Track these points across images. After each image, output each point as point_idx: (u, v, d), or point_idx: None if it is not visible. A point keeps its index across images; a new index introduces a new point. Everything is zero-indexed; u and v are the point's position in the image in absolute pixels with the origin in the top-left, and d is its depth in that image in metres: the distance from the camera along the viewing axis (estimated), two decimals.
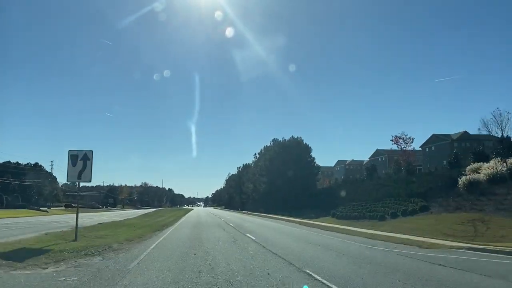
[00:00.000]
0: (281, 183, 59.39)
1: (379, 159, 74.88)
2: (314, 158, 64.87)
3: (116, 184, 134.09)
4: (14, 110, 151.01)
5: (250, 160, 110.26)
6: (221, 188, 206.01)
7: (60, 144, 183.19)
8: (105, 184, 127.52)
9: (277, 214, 47.77)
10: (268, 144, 76.11)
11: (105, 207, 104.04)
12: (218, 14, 57.23)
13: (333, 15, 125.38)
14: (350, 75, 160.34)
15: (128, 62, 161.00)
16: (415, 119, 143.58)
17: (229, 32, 61.87)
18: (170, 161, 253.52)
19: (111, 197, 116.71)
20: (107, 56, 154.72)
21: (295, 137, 66.20)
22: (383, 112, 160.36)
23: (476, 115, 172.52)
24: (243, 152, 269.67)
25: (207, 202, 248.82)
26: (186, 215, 50.32)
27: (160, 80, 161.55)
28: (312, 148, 65.40)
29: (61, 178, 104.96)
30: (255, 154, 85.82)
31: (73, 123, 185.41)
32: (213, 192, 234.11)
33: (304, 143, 64.84)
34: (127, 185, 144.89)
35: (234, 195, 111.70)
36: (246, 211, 74.69)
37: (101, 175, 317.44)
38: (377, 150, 76.34)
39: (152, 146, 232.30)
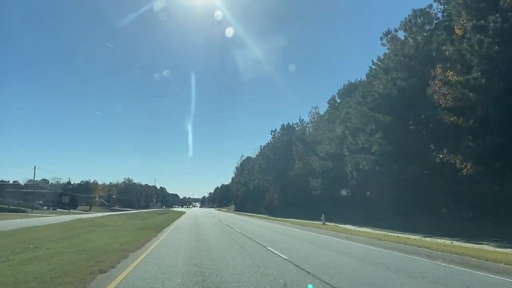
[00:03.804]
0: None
1: None
2: None
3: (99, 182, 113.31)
4: (13, 110, 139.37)
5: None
6: (222, 185, 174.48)
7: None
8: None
9: None
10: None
11: (52, 209, 71.65)
12: (217, 14, 58.15)
13: (333, 15, 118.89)
14: (348, 74, 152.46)
15: (127, 62, 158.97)
16: None
17: (229, 32, 62.81)
18: (165, 160, 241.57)
19: (66, 195, 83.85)
20: (107, 55, 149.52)
21: None
22: None
23: None
24: (242, 151, 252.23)
25: (204, 202, 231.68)
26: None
27: (159, 80, 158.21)
28: None
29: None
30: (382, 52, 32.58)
31: (67, 121, 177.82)
32: (211, 192, 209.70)
33: None
34: (112, 182, 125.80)
35: (264, 187, 65.86)
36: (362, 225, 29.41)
37: (93, 174, 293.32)
38: None
39: (148, 145, 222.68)
